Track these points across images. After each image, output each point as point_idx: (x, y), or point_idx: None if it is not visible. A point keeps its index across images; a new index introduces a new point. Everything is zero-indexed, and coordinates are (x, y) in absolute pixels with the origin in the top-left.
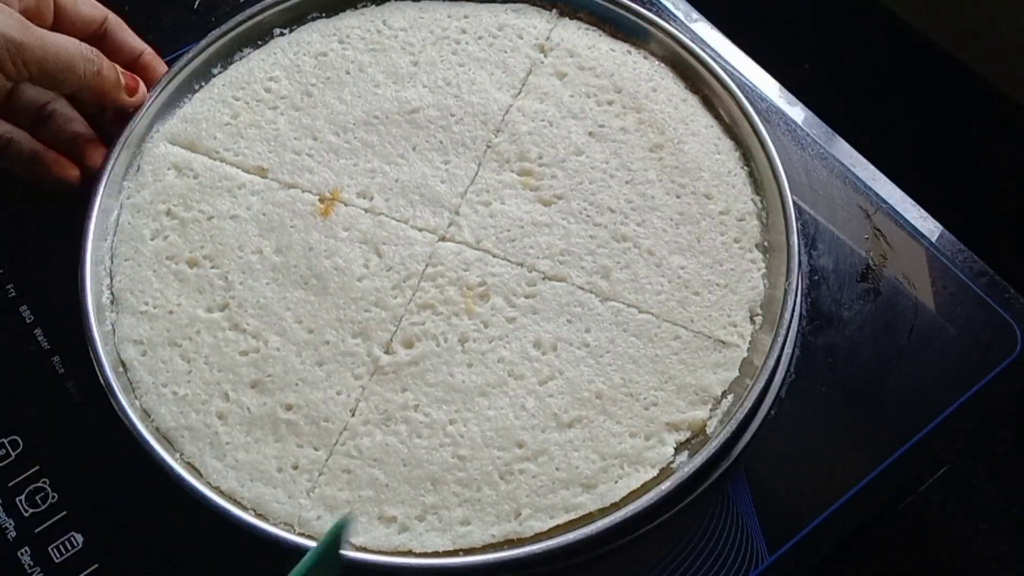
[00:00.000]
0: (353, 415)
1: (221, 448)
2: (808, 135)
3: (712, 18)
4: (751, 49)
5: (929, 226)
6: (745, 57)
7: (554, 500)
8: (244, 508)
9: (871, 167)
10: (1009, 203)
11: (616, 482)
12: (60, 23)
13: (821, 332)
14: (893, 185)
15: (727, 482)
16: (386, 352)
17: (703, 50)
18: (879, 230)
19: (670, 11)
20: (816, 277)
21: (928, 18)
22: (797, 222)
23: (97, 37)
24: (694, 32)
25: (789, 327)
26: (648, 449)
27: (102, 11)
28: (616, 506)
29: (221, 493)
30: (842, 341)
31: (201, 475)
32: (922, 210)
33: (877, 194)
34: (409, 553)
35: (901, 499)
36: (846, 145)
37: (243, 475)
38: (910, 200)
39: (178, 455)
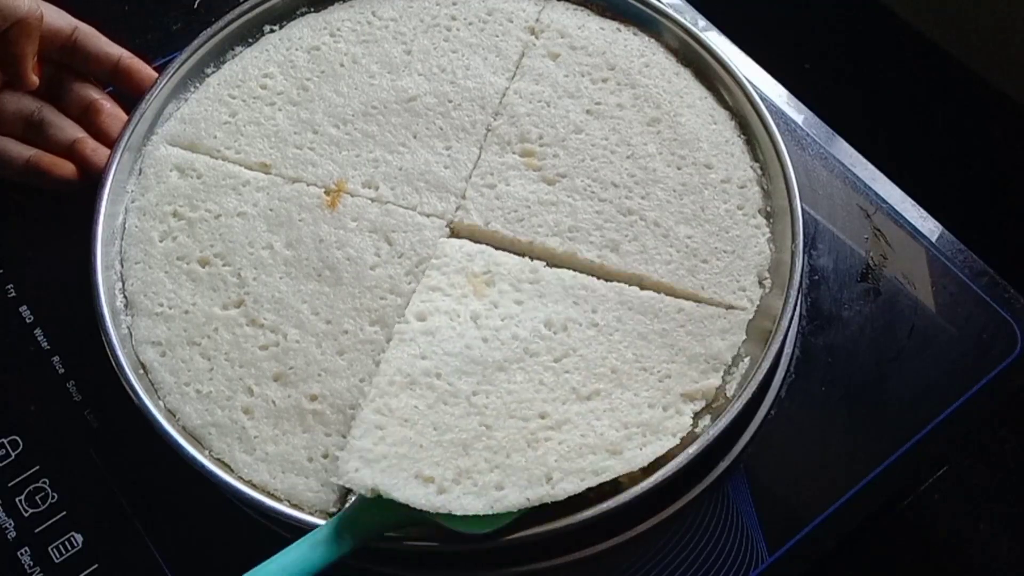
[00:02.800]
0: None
1: (250, 442)
2: (808, 135)
3: (713, 19)
4: (751, 49)
5: (929, 226)
6: (745, 57)
7: (583, 464)
8: (278, 500)
9: (871, 167)
10: (1009, 203)
11: (641, 448)
12: None
13: (821, 332)
14: (893, 185)
15: (727, 482)
16: (399, 321)
17: (690, 22)
18: (879, 230)
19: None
20: (816, 277)
21: (929, 19)
22: (797, 183)
23: (67, 49)
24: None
25: (800, 288)
26: (667, 419)
27: (69, 22)
28: (645, 472)
29: (254, 486)
30: (842, 341)
31: (232, 470)
32: (922, 210)
33: (877, 194)
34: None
35: (901, 499)
36: (846, 145)
37: (274, 467)
38: (910, 200)
39: (207, 452)
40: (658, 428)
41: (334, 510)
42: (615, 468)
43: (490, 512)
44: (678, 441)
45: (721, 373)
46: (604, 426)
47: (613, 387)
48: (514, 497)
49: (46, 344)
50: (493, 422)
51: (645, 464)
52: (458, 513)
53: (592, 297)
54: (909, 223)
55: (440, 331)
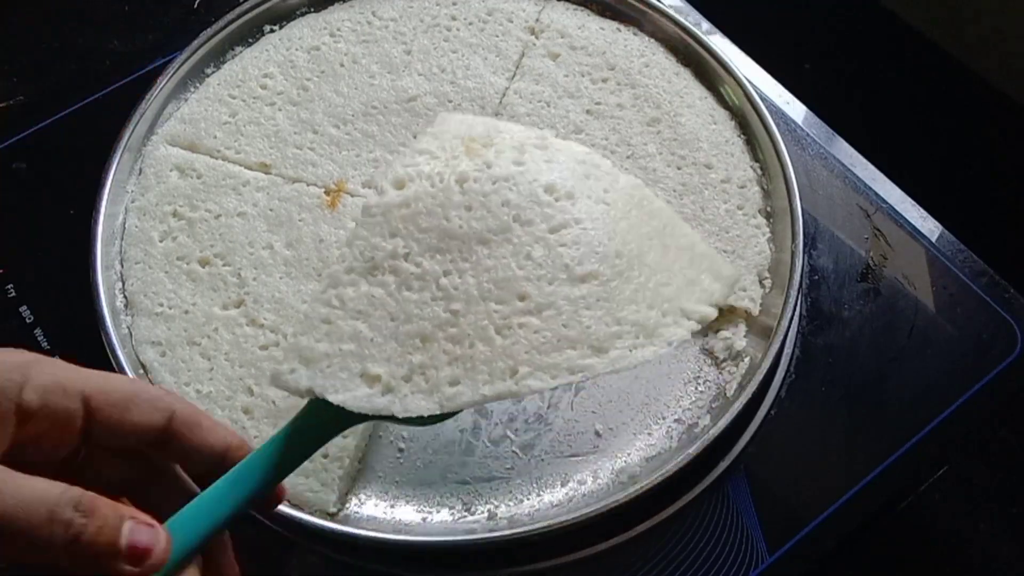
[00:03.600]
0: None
1: (250, 443)
2: (808, 135)
3: (713, 19)
4: (751, 49)
5: (929, 226)
6: (745, 57)
7: (558, 359)
8: None
9: (871, 167)
10: (1009, 203)
11: (631, 351)
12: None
13: (821, 332)
14: (893, 185)
15: (727, 482)
16: (376, 192)
17: (690, 22)
18: (879, 230)
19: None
20: (816, 277)
21: (928, 19)
22: (797, 183)
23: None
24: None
25: (800, 287)
26: (664, 326)
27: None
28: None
29: None
30: (842, 341)
31: None
32: (922, 210)
33: (877, 194)
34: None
35: (901, 499)
36: (846, 145)
37: None
38: (910, 200)
39: None
40: (653, 332)
41: (334, 510)
42: (595, 367)
43: (438, 412)
44: (671, 349)
45: (715, 310)
46: (593, 317)
47: (613, 274)
48: (469, 394)
49: (46, 344)
50: (462, 307)
51: (631, 367)
52: (400, 416)
53: (606, 177)
54: (909, 223)
55: (418, 200)
